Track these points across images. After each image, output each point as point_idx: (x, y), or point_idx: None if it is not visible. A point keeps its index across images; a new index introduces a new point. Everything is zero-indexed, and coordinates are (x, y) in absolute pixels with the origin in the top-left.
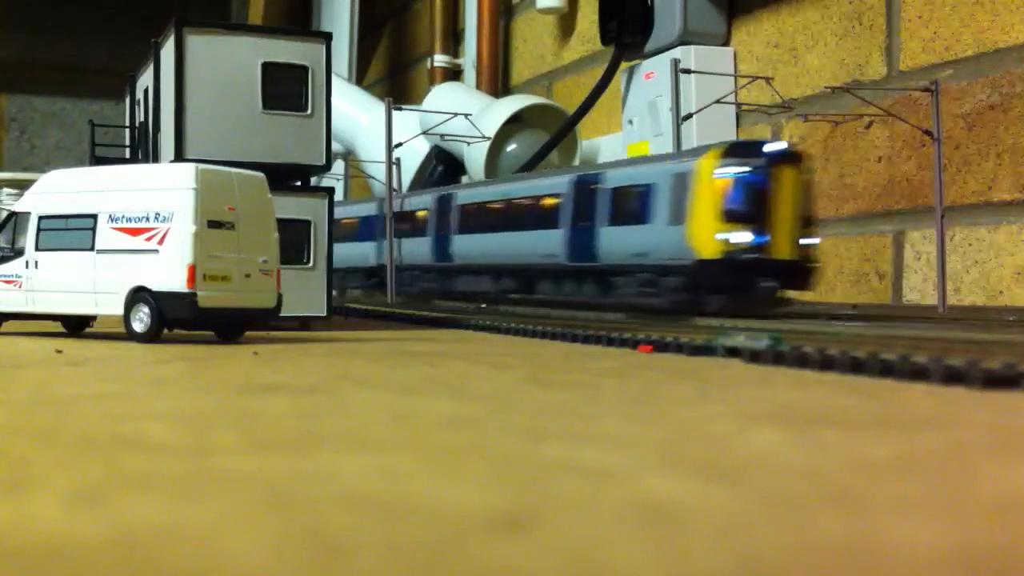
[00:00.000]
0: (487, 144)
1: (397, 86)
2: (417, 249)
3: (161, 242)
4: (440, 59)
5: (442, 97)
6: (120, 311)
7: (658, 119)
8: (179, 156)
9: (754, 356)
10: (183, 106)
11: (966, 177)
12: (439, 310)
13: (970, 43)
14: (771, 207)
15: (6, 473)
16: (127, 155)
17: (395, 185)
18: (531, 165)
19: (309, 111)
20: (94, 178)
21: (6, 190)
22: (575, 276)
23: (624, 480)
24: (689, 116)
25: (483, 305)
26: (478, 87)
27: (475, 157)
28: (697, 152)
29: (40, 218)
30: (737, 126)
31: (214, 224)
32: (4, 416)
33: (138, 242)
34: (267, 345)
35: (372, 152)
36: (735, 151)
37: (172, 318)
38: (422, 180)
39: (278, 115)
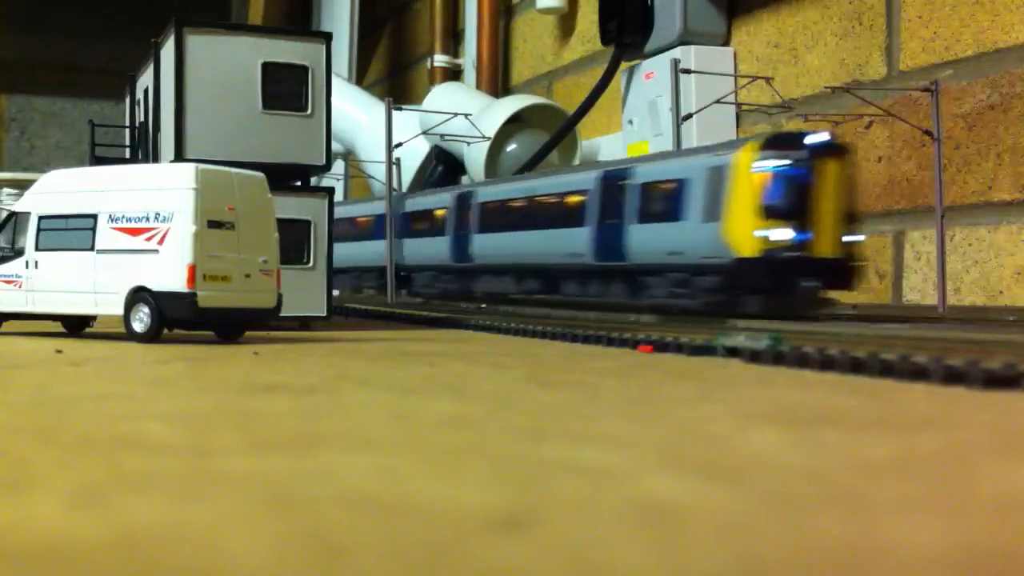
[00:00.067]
0: (487, 144)
1: (397, 86)
2: (435, 249)
3: (161, 242)
4: (440, 59)
5: (442, 97)
6: (120, 311)
7: (658, 119)
8: (179, 156)
9: (754, 356)
10: (183, 106)
11: (966, 177)
12: (439, 310)
13: (970, 43)
14: (813, 202)
15: (6, 473)
16: (127, 155)
17: (395, 185)
18: (531, 165)
19: (309, 111)
20: (94, 178)
21: (6, 190)
22: (602, 276)
23: (624, 480)
24: (689, 116)
25: (483, 305)
26: (478, 87)
27: (475, 157)
28: (734, 144)
29: (40, 218)
30: (737, 126)
31: (214, 224)
32: (4, 416)
33: (138, 242)
34: (267, 345)
35: (372, 152)
36: (775, 143)
37: (172, 318)
38: (422, 180)
39: (278, 115)
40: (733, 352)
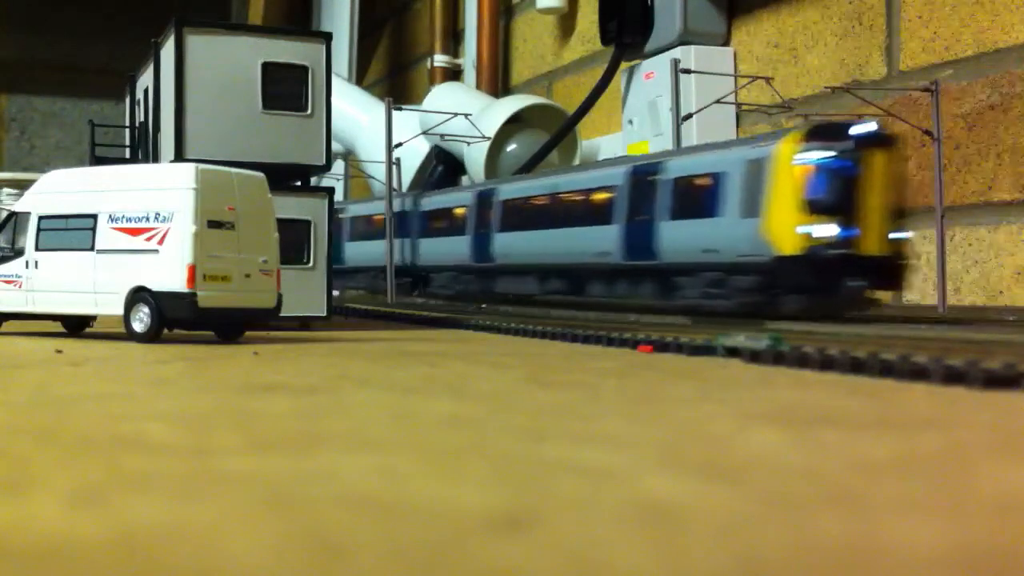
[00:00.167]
0: (487, 144)
1: (397, 86)
2: (454, 249)
3: (161, 242)
4: (440, 59)
5: (442, 97)
6: (120, 311)
7: (658, 119)
8: (179, 156)
9: (754, 356)
10: (183, 106)
11: (966, 177)
12: (439, 310)
13: (970, 43)
14: (859, 196)
15: (6, 473)
16: (127, 155)
17: (395, 185)
18: (531, 165)
19: (309, 111)
20: (94, 178)
21: (6, 190)
22: (631, 276)
23: (624, 480)
24: (689, 116)
25: (483, 305)
26: (478, 87)
27: (475, 157)
28: (774, 136)
29: (40, 218)
30: (737, 126)
31: (214, 224)
32: (4, 416)
33: (138, 242)
34: (267, 345)
35: (372, 152)
36: (818, 133)
37: (172, 318)
38: (422, 180)
39: (278, 115)
40: (733, 352)
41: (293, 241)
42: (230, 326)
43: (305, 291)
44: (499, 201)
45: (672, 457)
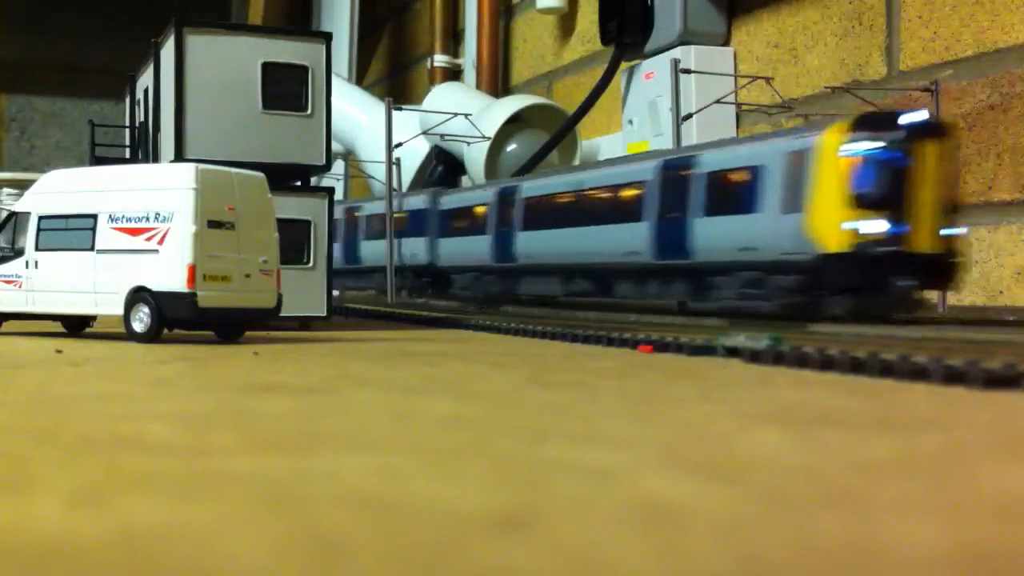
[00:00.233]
0: (487, 144)
1: (397, 86)
2: (474, 248)
3: (161, 242)
4: (440, 59)
5: (442, 97)
6: (120, 311)
7: (658, 119)
8: (179, 156)
9: (754, 356)
10: (183, 106)
11: (966, 177)
12: (439, 310)
13: (970, 43)
14: (910, 190)
15: (6, 473)
16: (127, 155)
17: (395, 185)
18: (531, 165)
19: (309, 111)
20: (94, 178)
21: (6, 190)
22: (662, 276)
23: (624, 480)
24: (689, 116)
25: (483, 306)
26: (478, 87)
27: (475, 157)
28: (818, 126)
29: (40, 218)
30: (737, 126)
31: (214, 224)
32: (4, 416)
33: (138, 242)
34: (267, 345)
35: (372, 152)
36: (866, 123)
37: (172, 318)
38: (422, 180)
39: (278, 115)
40: (733, 352)
41: (293, 241)
42: (230, 326)
43: (305, 291)
44: (521, 199)
45: (672, 457)
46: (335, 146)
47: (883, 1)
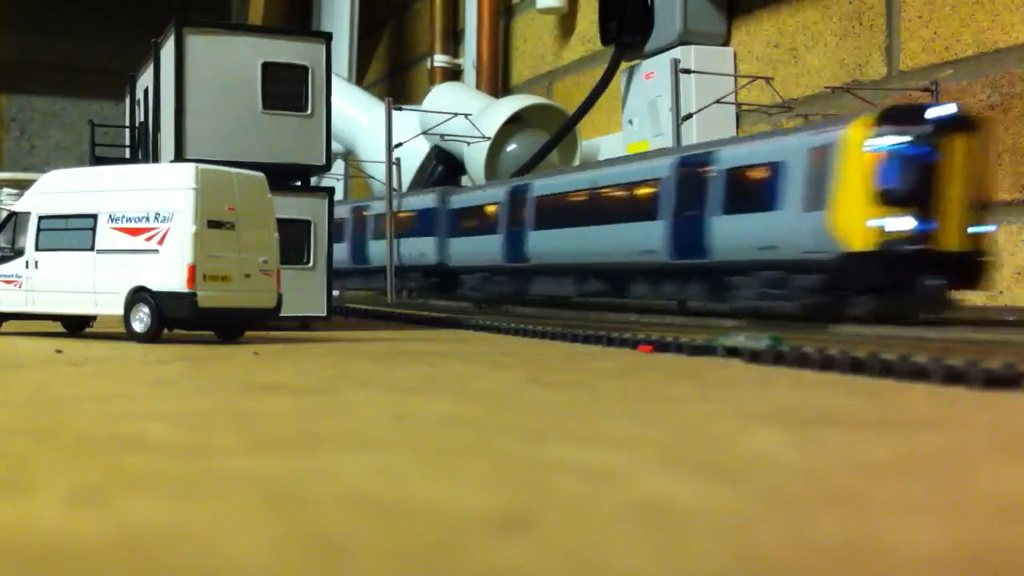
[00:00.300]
0: (487, 144)
1: (397, 86)
2: (484, 248)
3: (161, 242)
4: (440, 59)
5: (442, 97)
6: (120, 311)
7: (658, 119)
8: (179, 156)
9: (754, 356)
10: (183, 106)
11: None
12: (439, 310)
13: (970, 43)
14: (938, 186)
15: (6, 473)
16: (127, 155)
17: (395, 185)
18: (531, 165)
19: (309, 111)
20: (94, 178)
21: (6, 190)
22: (679, 276)
23: (624, 480)
24: (689, 116)
25: (483, 306)
26: (478, 87)
27: (475, 157)
28: (842, 120)
29: (40, 218)
30: (737, 126)
31: (214, 224)
32: (4, 416)
33: (138, 242)
34: (267, 345)
35: (372, 152)
36: (892, 116)
37: (172, 318)
38: (422, 180)
39: (278, 115)
40: (733, 352)
41: (293, 241)
42: (230, 326)
43: (305, 291)
44: (533, 197)
45: (672, 457)
46: (335, 146)
47: (883, 1)
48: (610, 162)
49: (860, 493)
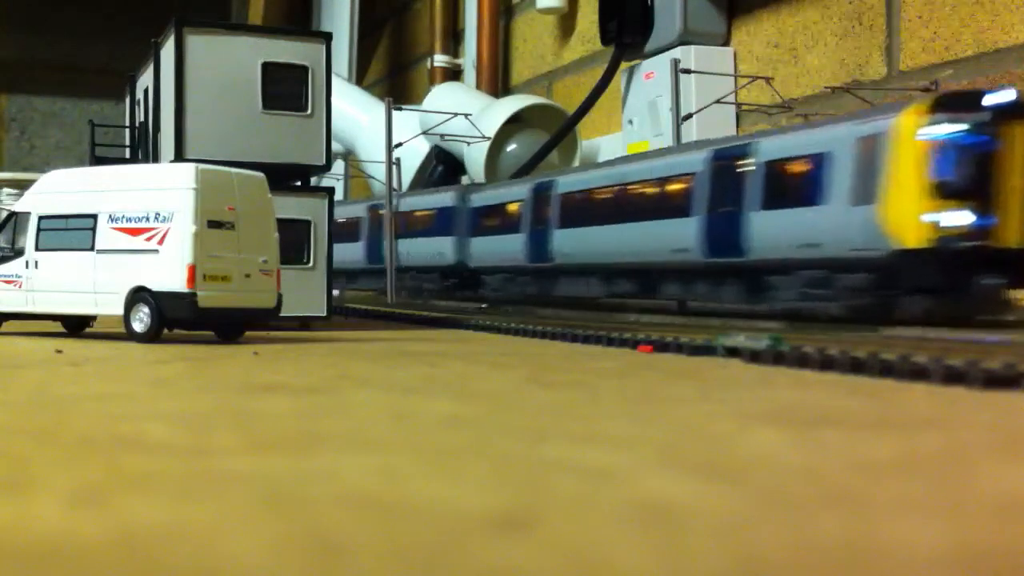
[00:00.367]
0: (487, 144)
1: (397, 86)
2: (506, 248)
3: (161, 242)
4: (440, 59)
5: (442, 97)
6: (120, 311)
7: (658, 119)
8: (179, 156)
9: (754, 356)
10: (183, 106)
11: None
12: (439, 310)
13: (970, 43)
14: (997, 178)
15: (6, 473)
16: (127, 155)
17: (395, 185)
18: (531, 165)
19: (309, 111)
20: (94, 178)
21: (6, 190)
22: (714, 276)
23: (624, 480)
24: (689, 116)
25: (483, 305)
26: (478, 87)
27: (475, 157)
28: (893, 108)
29: (40, 218)
30: (737, 126)
31: (214, 224)
32: (4, 416)
33: (138, 242)
34: (267, 345)
35: (372, 152)
36: (947, 104)
37: (172, 318)
38: (422, 180)
39: (278, 115)
40: (733, 352)
41: (293, 241)
42: (230, 326)
43: (305, 291)
44: (558, 195)
45: (672, 457)
46: (335, 146)
47: (883, 1)
48: (640, 156)
49: (860, 493)
